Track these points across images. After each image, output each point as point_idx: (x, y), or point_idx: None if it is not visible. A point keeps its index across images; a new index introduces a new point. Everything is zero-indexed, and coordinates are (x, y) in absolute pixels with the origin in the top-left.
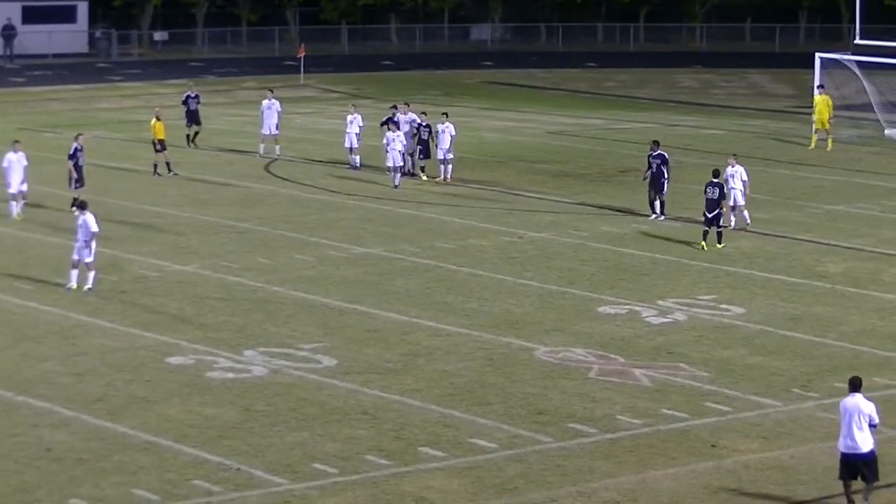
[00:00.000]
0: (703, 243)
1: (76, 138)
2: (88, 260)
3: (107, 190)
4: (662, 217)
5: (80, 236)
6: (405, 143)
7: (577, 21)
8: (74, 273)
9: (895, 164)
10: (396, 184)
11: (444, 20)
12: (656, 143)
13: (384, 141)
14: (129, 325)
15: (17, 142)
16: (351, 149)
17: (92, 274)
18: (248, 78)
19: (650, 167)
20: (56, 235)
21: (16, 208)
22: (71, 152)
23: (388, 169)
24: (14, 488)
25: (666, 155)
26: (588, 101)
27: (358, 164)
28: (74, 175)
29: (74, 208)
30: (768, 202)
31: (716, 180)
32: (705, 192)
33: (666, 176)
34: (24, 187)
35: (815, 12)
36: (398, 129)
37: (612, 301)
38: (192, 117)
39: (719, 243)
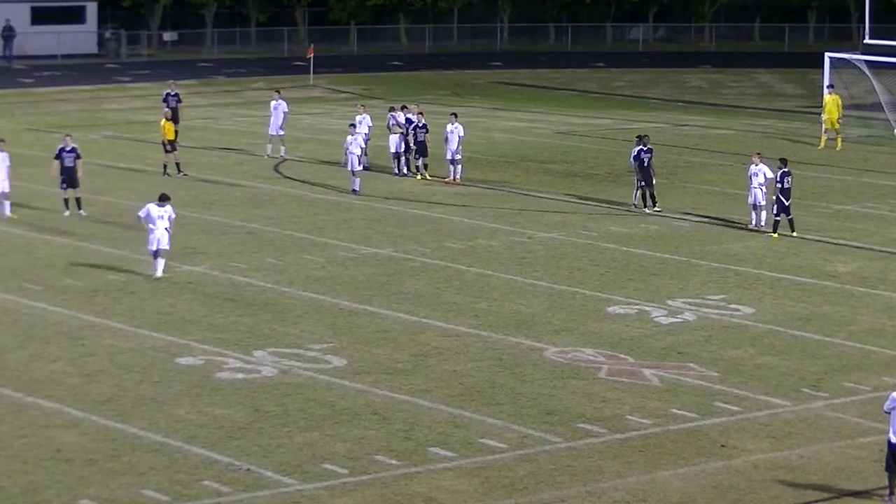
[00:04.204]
0: (776, 234)
1: (64, 139)
2: (167, 248)
3: (116, 190)
4: (656, 208)
5: (161, 225)
6: (363, 146)
7: (586, 21)
8: (159, 262)
9: None
10: (356, 188)
11: (453, 20)
12: (647, 137)
13: (344, 144)
14: (139, 325)
15: (1, 140)
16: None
17: (163, 261)
18: (257, 78)
19: (641, 161)
20: (64, 236)
21: (7, 208)
22: (56, 152)
23: (353, 172)
24: (23, 489)
25: (653, 149)
26: (597, 101)
27: (366, 165)
28: (55, 174)
29: (159, 200)
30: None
31: (787, 168)
32: (780, 181)
33: (653, 170)
34: (8, 187)
35: (824, 12)
36: (400, 129)
37: (622, 301)
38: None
39: (793, 231)
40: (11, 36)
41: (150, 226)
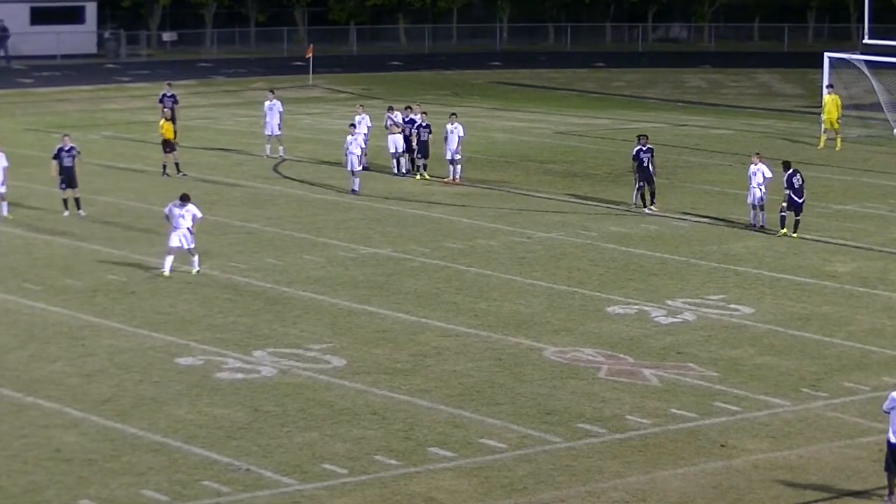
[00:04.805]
0: (784, 230)
1: (62, 139)
2: (192, 246)
3: (115, 190)
4: (654, 207)
5: (181, 224)
6: (363, 146)
7: (585, 21)
8: (170, 259)
9: None
10: (355, 188)
11: (453, 20)
12: (646, 137)
13: (344, 145)
14: (138, 325)
15: None
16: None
17: (196, 258)
18: (256, 78)
19: (640, 161)
20: (64, 236)
21: (5, 208)
22: (55, 153)
23: (352, 173)
24: (23, 489)
25: (653, 148)
26: (596, 101)
27: (366, 165)
28: (54, 175)
29: (178, 200)
30: (777, 202)
31: (793, 169)
32: (791, 182)
33: (654, 169)
34: (3, 188)
35: (824, 12)
36: (398, 129)
37: (621, 301)
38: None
39: (795, 232)
40: (6, 36)
41: (174, 225)
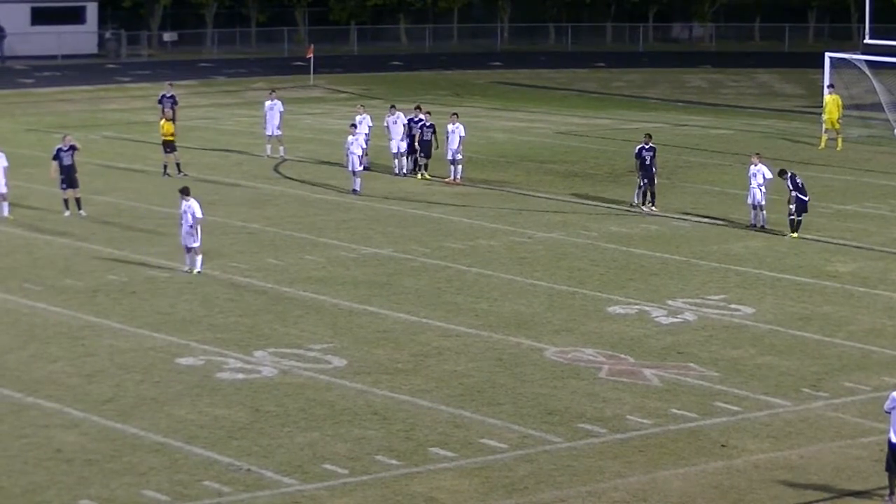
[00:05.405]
0: (793, 233)
1: (63, 139)
2: (195, 245)
3: (115, 190)
4: (654, 208)
5: (185, 222)
6: (364, 146)
7: (586, 21)
8: (189, 257)
9: None
10: (356, 188)
11: (453, 20)
12: (649, 136)
13: (345, 145)
14: (139, 325)
15: None
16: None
17: (199, 258)
18: (257, 78)
19: (642, 159)
20: (64, 236)
21: (6, 209)
22: (54, 153)
23: (353, 173)
24: (23, 489)
25: (656, 147)
26: (597, 100)
27: (366, 165)
28: (54, 175)
29: (179, 195)
30: (777, 202)
31: (791, 172)
32: (795, 182)
33: (655, 168)
34: (5, 189)
35: (825, 12)
36: (403, 129)
37: (622, 301)
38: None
39: (796, 231)
40: (2, 36)
41: (180, 222)
